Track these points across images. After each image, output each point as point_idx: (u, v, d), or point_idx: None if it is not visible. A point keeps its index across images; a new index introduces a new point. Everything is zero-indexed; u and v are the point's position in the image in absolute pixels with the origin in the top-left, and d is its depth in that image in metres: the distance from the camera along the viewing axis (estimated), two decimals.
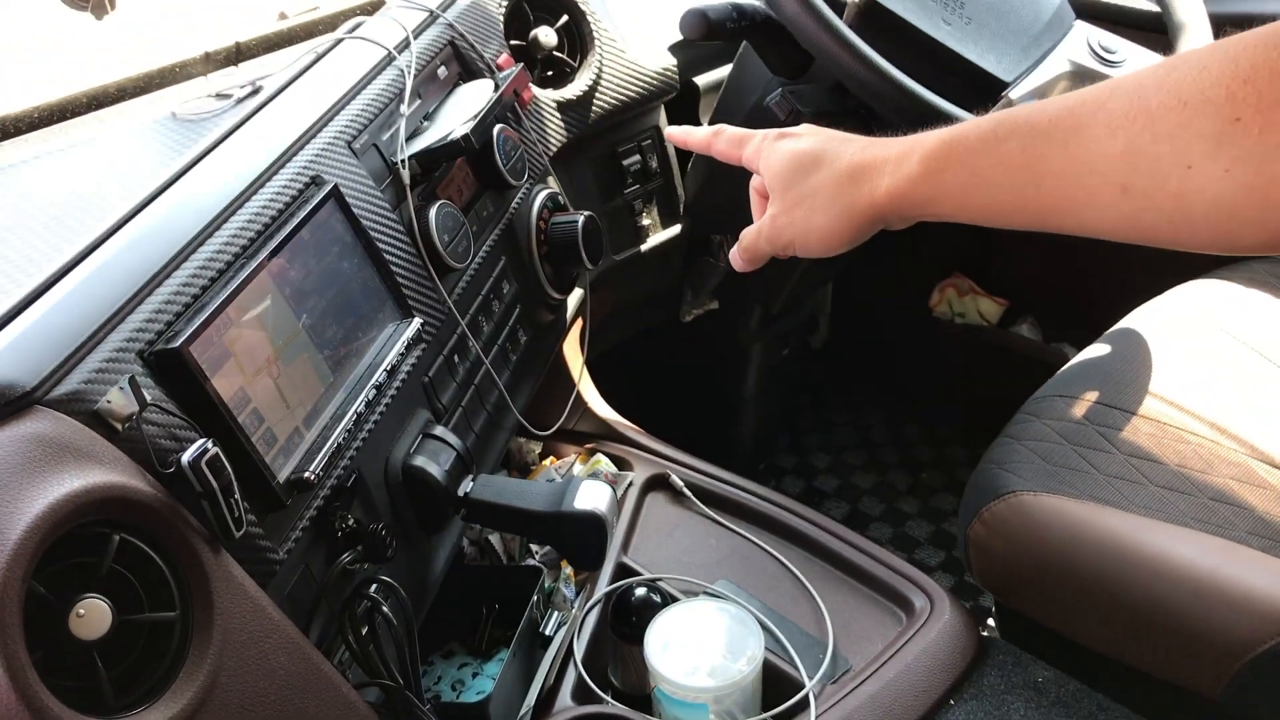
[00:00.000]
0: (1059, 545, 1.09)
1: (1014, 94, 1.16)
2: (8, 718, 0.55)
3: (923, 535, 1.92)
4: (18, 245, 0.82)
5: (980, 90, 1.16)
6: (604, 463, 1.30)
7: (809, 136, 0.80)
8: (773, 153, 0.80)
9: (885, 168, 0.73)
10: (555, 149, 1.27)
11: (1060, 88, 1.20)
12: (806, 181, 0.77)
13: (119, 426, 0.67)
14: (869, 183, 0.74)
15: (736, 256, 0.87)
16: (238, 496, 0.70)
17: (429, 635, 1.12)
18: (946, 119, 1.04)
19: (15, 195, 0.91)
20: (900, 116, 1.06)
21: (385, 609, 0.83)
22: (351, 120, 0.97)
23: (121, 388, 0.67)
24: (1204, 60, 0.55)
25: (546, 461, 1.34)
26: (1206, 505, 1.11)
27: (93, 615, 0.61)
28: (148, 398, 0.68)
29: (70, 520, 0.61)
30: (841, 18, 1.12)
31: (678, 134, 0.93)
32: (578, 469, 1.31)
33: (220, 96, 1.05)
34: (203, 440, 0.68)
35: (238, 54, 1.13)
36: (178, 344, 0.70)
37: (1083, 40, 1.23)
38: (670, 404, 1.85)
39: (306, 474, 0.77)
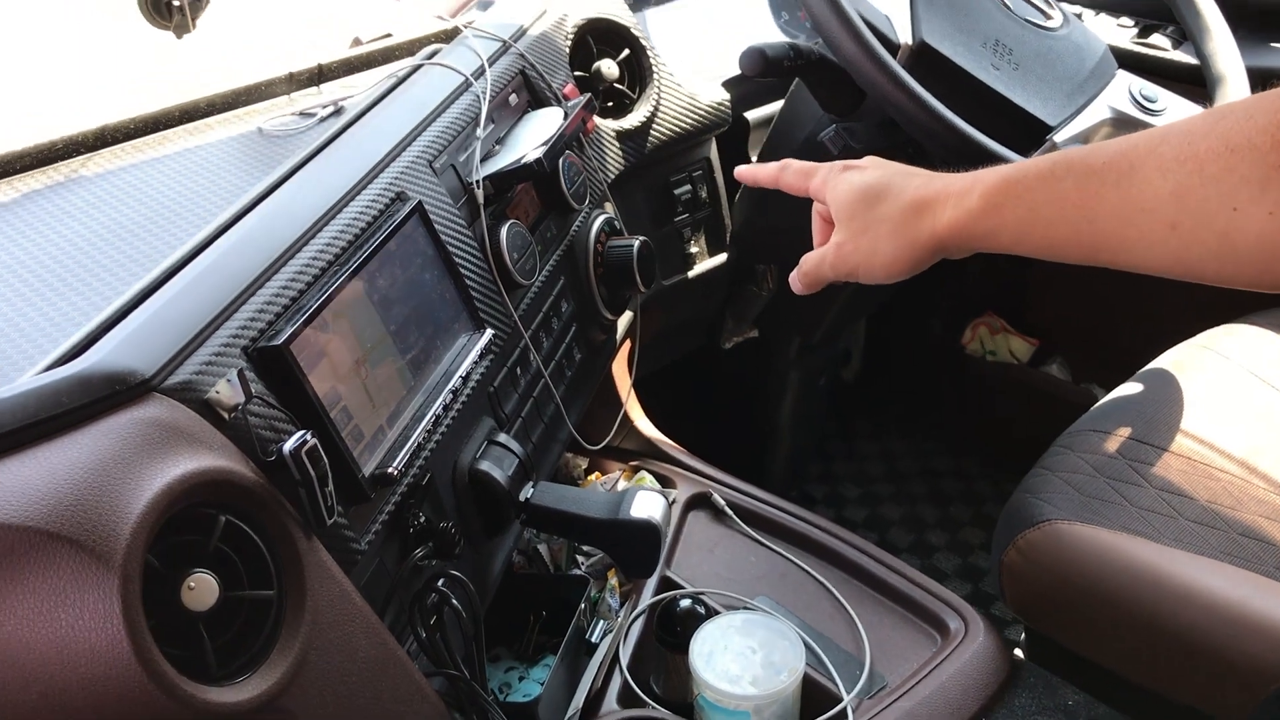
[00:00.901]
0: (1092, 572, 1.13)
1: (1058, 138, 1.21)
2: (128, 679, 0.60)
3: (950, 567, 1.95)
4: (133, 241, 0.88)
5: (1025, 133, 1.21)
6: (648, 480, 1.34)
7: (874, 169, 0.84)
8: (839, 183, 0.85)
9: (948, 202, 0.77)
10: (613, 176, 1.32)
11: (1102, 133, 1.25)
12: (872, 212, 0.81)
13: (226, 415, 0.71)
14: (932, 215, 0.78)
15: (797, 280, 0.91)
16: (330, 487, 0.74)
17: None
18: (994, 159, 1.09)
19: (124, 196, 0.96)
20: (950, 155, 1.11)
21: (454, 602, 0.88)
22: (432, 141, 1.02)
23: (230, 380, 0.72)
24: (1251, 110, 0.59)
25: (593, 476, 1.38)
26: (1236, 540, 1.14)
27: (202, 588, 0.65)
28: (253, 390, 0.73)
29: (183, 500, 0.65)
30: (895, 58, 1.17)
31: (747, 172, 0.97)
32: (622, 484, 1.35)
33: (304, 115, 1.10)
34: (302, 432, 0.73)
35: (320, 75, 1.18)
36: (279, 341, 0.75)
37: (1125, 89, 1.28)
38: (707, 427, 1.89)
39: (390, 469, 0.81)
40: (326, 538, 0.76)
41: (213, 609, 0.66)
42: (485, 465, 0.97)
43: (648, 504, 0.99)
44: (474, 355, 0.95)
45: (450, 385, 0.91)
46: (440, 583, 0.88)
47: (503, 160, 1.09)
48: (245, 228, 0.85)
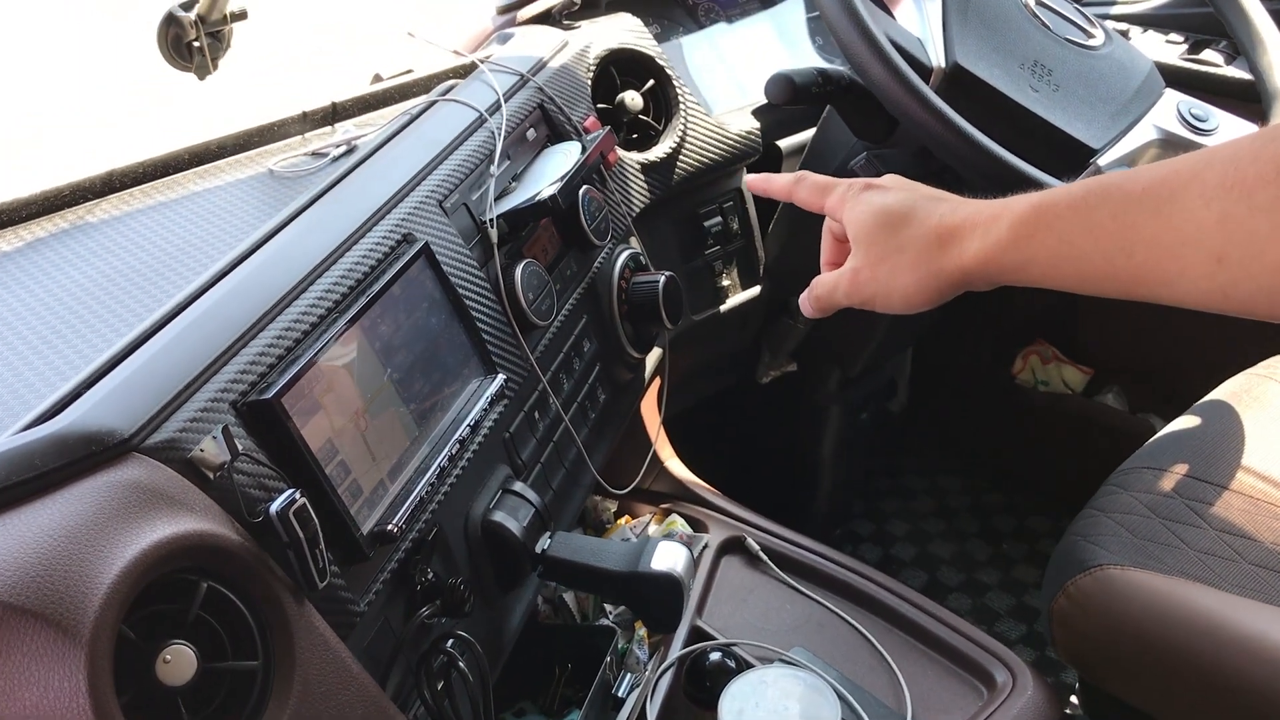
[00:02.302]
0: (1147, 622, 1.06)
1: (1102, 161, 1.15)
2: None
3: (1003, 607, 1.88)
4: (131, 290, 0.85)
5: (1067, 157, 1.15)
6: (679, 524, 1.30)
7: (896, 191, 0.79)
8: (858, 204, 0.79)
9: (975, 232, 0.72)
10: (638, 210, 1.28)
11: (1149, 155, 1.19)
12: (893, 238, 0.76)
13: (211, 475, 0.68)
14: (957, 246, 0.73)
15: (806, 302, 0.85)
16: (322, 547, 0.71)
17: (501, 693, 1.11)
18: (1034, 185, 1.03)
19: (127, 242, 0.94)
20: (987, 182, 1.06)
21: (461, 664, 0.83)
22: (443, 180, 0.99)
23: (215, 437, 0.69)
24: None
25: (622, 521, 1.34)
26: None
27: (179, 661, 0.62)
28: (239, 447, 0.69)
29: (161, 566, 0.62)
30: (928, 83, 1.12)
31: (758, 180, 0.92)
32: (653, 529, 1.31)
33: (316, 155, 1.08)
34: (291, 491, 0.69)
35: (334, 114, 1.16)
36: (270, 395, 0.72)
37: (1173, 107, 1.22)
38: (745, 466, 1.84)
39: (390, 527, 0.78)
40: (320, 601, 0.72)
41: (191, 682, 0.63)
42: (499, 516, 0.93)
43: (669, 555, 0.94)
44: (484, 402, 0.91)
45: (458, 434, 0.87)
46: (449, 643, 0.84)
47: (519, 197, 1.05)
48: (241, 275, 0.82)
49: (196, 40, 1.22)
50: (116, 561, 0.60)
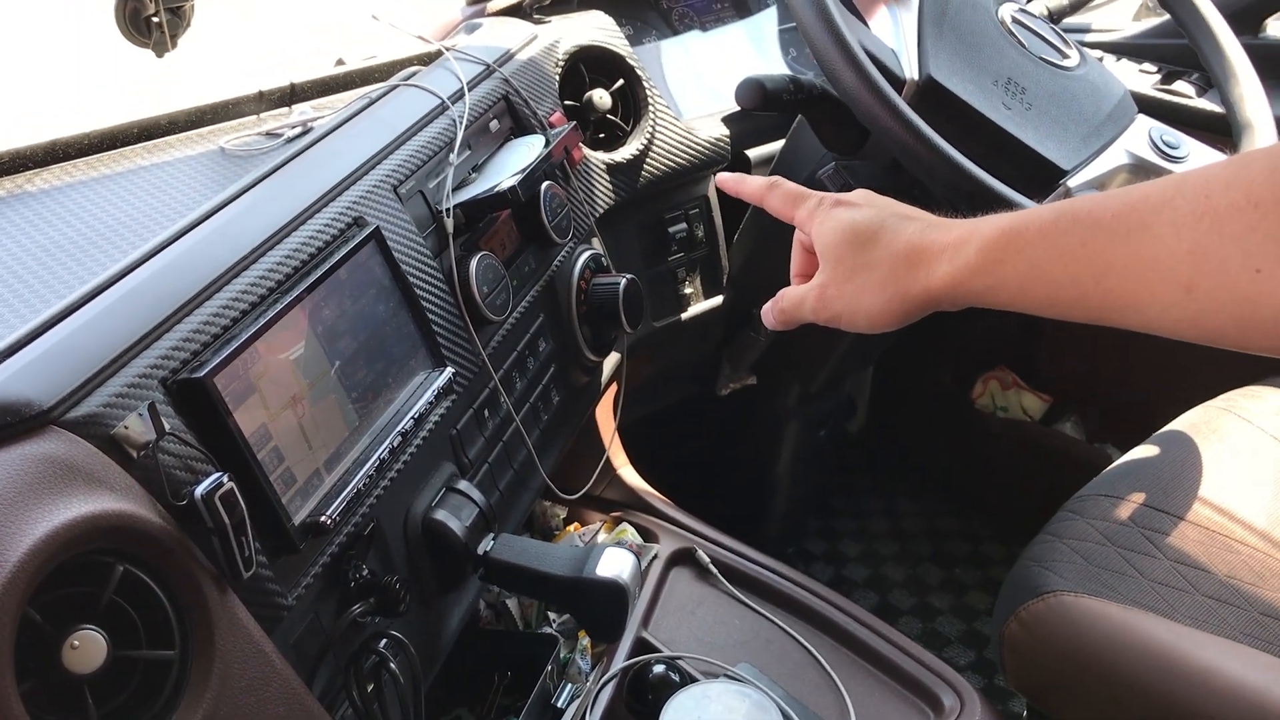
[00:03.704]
0: (1099, 650, 1.05)
1: (1072, 182, 1.14)
2: None
3: (954, 633, 1.86)
4: (65, 261, 0.82)
5: (1037, 176, 1.14)
6: (629, 533, 1.27)
7: (867, 208, 0.77)
8: (828, 219, 0.78)
9: (943, 254, 0.70)
10: (602, 210, 1.26)
11: (1120, 180, 1.18)
12: (862, 256, 0.75)
13: (134, 453, 0.64)
14: (926, 268, 0.71)
15: (770, 314, 0.84)
16: (250, 536, 0.67)
17: (437, 699, 1.08)
18: (1004, 202, 1.02)
19: (66, 214, 0.90)
20: (957, 197, 1.04)
21: (393, 666, 0.80)
22: (399, 165, 0.96)
23: (140, 414, 0.65)
24: (1275, 162, 0.53)
25: (571, 527, 1.31)
26: (1257, 620, 1.06)
27: (87, 648, 0.59)
28: (166, 426, 0.66)
29: (74, 547, 0.59)
30: (900, 94, 1.11)
31: (730, 179, 0.90)
32: (602, 537, 1.28)
33: (271, 135, 1.04)
34: (218, 474, 0.66)
35: (292, 95, 1.13)
36: (201, 374, 0.69)
37: (1144, 133, 1.21)
38: (700, 478, 1.82)
39: (323, 518, 0.74)
40: (245, 591, 0.69)
41: (100, 670, 0.59)
42: (440, 515, 0.90)
43: (615, 562, 0.91)
44: (430, 395, 0.88)
45: (401, 427, 0.84)
46: (381, 643, 0.81)
47: (478, 188, 1.02)
48: (180, 250, 0.78)
49: (156, 15, 1.18)
50: (24, 539, 0.56)
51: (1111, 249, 0.60)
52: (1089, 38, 1.73)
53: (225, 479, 0.66)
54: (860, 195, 0.79)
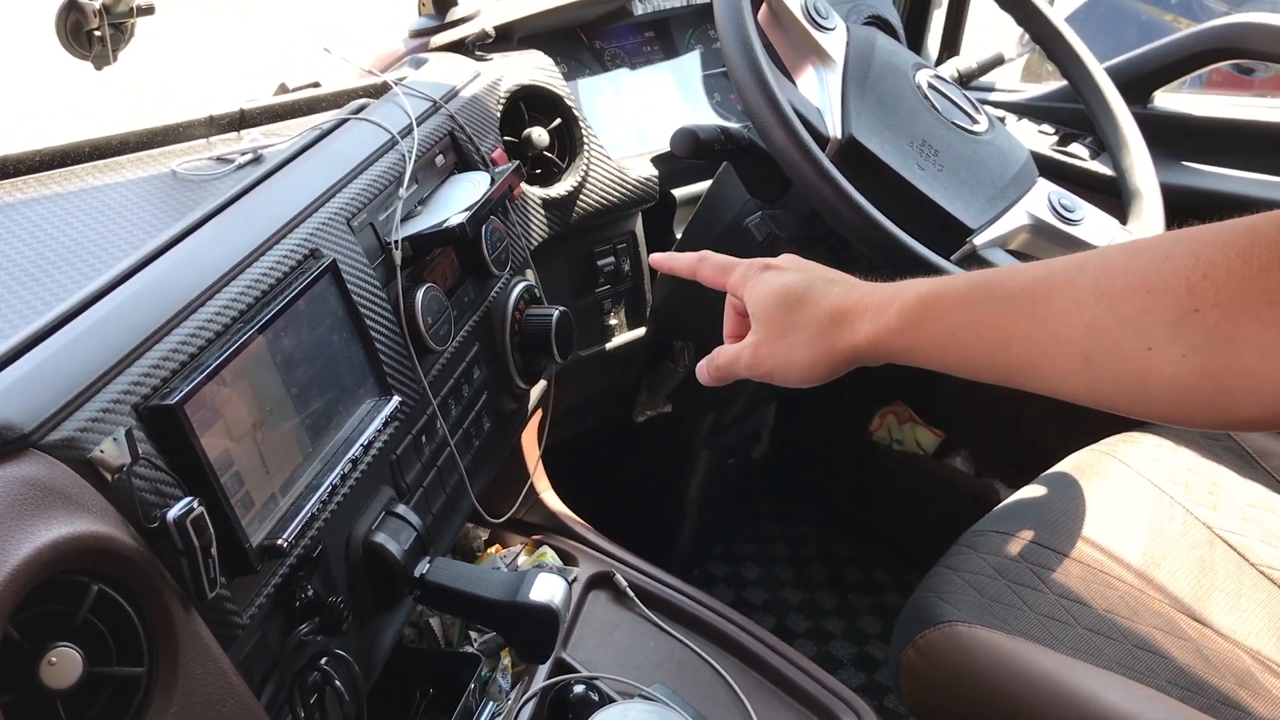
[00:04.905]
0: (990, 678, 1.12)
1: (978, 240, 1.22)
2: None
3: (846, 655, 1.95)
4: (27, 283, 0.83)
5: (946, 232, 1.22)
6: (550, 556, 1.31)
7: (794, 271, 0.83)
8: (758, 284, 0.83)
9: (866, 315, 0.76)
10: (536, 243, 1.31)
11: (1021, 239, 1.27)
12: (791, 317, 0.80)
13: (109, 476, 0.67)
14: (850, 327, 0.77)
15: (705, 371, 0.89)
16: (215, 558, 0.70)
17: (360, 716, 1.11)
18: (913, 257, 1.09)
19: (20, 234, 0.91)
20: (869, 249, 1.11)
21: (338, 683, 0.83)
22: (352, 199, 0.99)
23: (116, 439, 0.68)
24: (1168, 249, 0.59)
25: (492, 549, 1.35)
26: (1130, 651, 1.15)
27: (64, 664, 0.61)
28: (140, 451, 0.69)
29: (53, 567, 0.61)
30: (824, 151, 1.18)
31: (662, 259, 0.95)
32: (523, 560, 1.32)
33: (222, 160, 1.07)
34: (189, 499, 0.69)
35: (241, 120, 1.15)
36: (173, 401, 0.72)
37: (1044, 196, 1.30)
38: (614, 501, 1.87)
39: (280, 541, 0.77)
40: (206, 610, 0.72)
41: (74, 686, 0.62)
42: (380, 538, 0.93)
43: (548, 587, 0.95)
44: (379, 423, 0.91)
45: (350, 454, 0.87)
46: (324, 661, 0.84)
47: (425, 222, 1.06)
48: (148, 277, 0.81)
49: (98, 29, 1.19)
50: (8, 559, 0.58)
51: (1019, 321, 0.66)
52: (992, 97, 1.84)
53: (195, 504, 0.69)
54: (787, 260, 0.85)
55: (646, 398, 1.66)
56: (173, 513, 0.68)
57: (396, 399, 0.95)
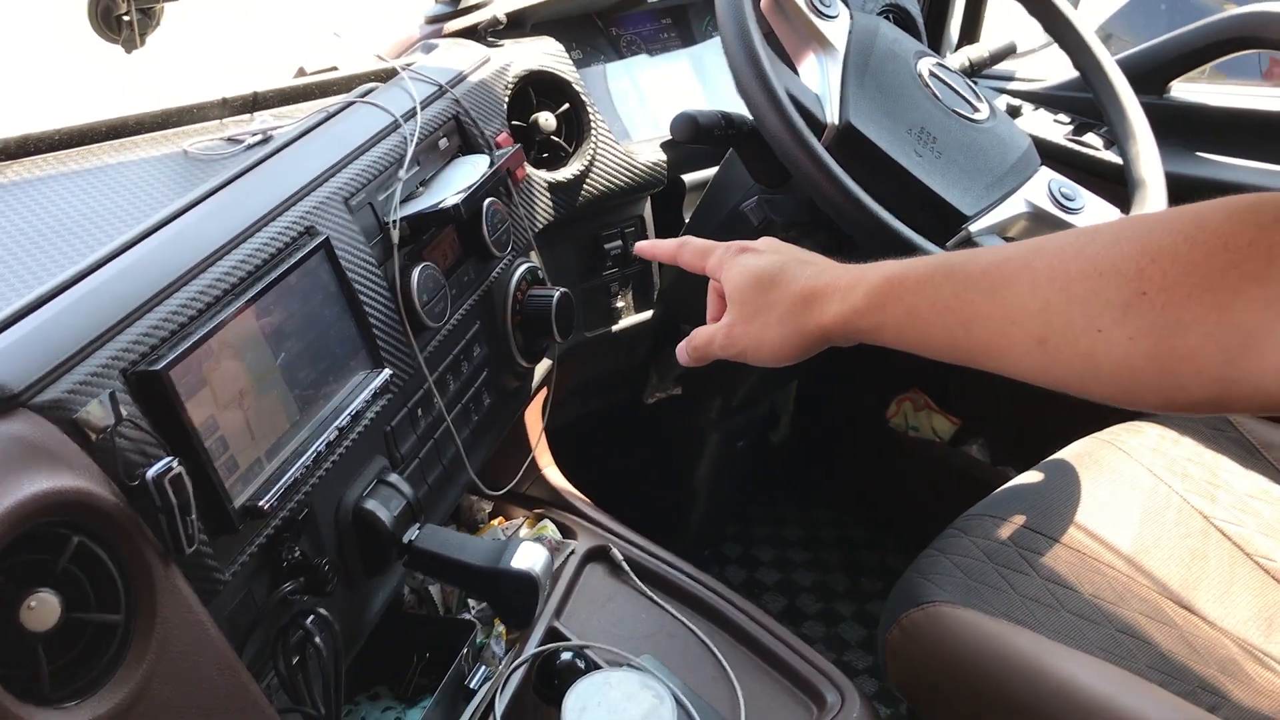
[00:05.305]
0: (970, 658, 1.14)
1: (973, 228, 1.23)
2: None
3: (854, 639, 1.97)
4: (34, 252, 0.88)
5: (943, 219, 1.23)
6: (550, 529, 1.35)
7: (769, 254, 0.85)
8: (734, 266, 0.86)
9: (834, 295, 0.78)
10: (541, 226, 1.34)
11: (1019, 227, 1.28)
12: (764, 297, 0.83)
13: (93, 436, 0.71)
14: (819, 307, 0.79)
15: (683, 352, 0.92)
16: (194, 516, 0.75)
17: (359, 676, 1.15)
18: (906, 243, 1.11)
19: (34, 207, 0.96)
20: (862, 236, 1.13)
21: (318, 640, 0.87)
22: (351, 179, 1.03)
23: (101, 401, 0.72)
24: (1119, 234, 0.61)
25: (495, 522, 1.38)
26: (1113, 636, 1.16)
27: (43, 608, 0.65)
28: (124, 413, 0.73)
29: (35, 518, 0.65)
30: (821, 138, 1.19)
31: (645, 247, 0.99)
32: (524, 532, 1.36)
33: (232, 141, 1.11)
34: (168, 459, 0.73)
35: (254, 103, 1.19)
36: (159, 367, 0.76)
37: (1044, 184, 1.30)
38: (624, 482, 1.90)
39: (261, 503, 0.82)
40: (186, 566, 0.76)
41: (53, 630, 0.66)
42: (371, 505, 0.98)
43: (529, 555, 0.99)
44: (367, 394, 0.95)
45: (338, 423, 0.91)
46: (308, 619, 0.88)
47: (424, 203, 1.10)
48: (145, 249, 0.85)
49: (127, 14, 1.24)
50: None
51: (978, 302, 0.69)
52: (1011, 86, 1.84)
53: (175, 464, 0.73)
54: (764, 243, 0.88)
55: (656, 380, 1.69)
56: (152, 472, 0.72)
57: (387, 372, 0.99)
